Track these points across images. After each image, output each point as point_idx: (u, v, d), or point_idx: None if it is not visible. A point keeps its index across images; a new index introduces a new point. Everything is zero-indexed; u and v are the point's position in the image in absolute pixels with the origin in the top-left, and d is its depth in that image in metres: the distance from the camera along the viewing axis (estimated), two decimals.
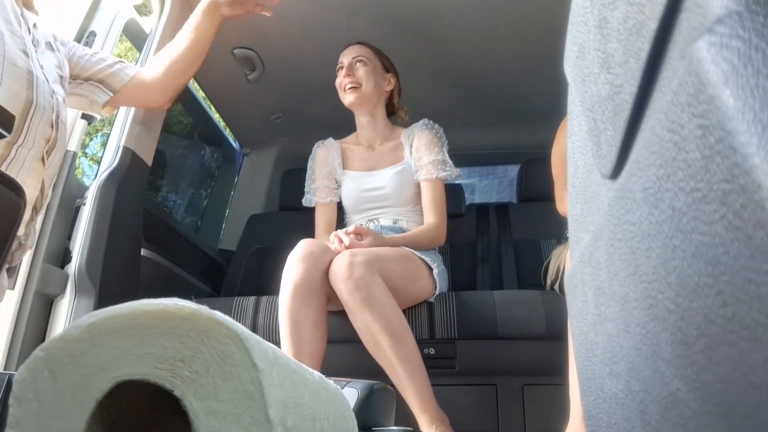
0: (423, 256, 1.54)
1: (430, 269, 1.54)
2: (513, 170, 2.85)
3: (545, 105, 2.21)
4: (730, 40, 0.24)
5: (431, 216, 1.67)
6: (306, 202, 1.85)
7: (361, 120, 1.82)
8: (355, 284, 1.31)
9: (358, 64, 1.73)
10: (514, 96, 2.31)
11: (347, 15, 1.87)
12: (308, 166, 1.88)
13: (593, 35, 0.42)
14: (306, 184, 1.86)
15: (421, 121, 1.80)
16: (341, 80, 1.74)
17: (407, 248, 1.54)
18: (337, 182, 1.84)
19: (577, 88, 0.50)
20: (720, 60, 0.24)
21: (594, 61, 0.43)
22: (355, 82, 1.72)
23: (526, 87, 2.23)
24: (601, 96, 0.41)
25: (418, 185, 1.73)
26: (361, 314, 1.32)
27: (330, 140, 1.90)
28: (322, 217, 1.80)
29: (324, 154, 1.86)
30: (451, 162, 1.73)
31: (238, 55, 2.05)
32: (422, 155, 1.72)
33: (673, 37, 0.30)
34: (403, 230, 1.69)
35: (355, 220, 1.79)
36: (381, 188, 1.74)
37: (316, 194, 1.82)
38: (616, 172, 0.41)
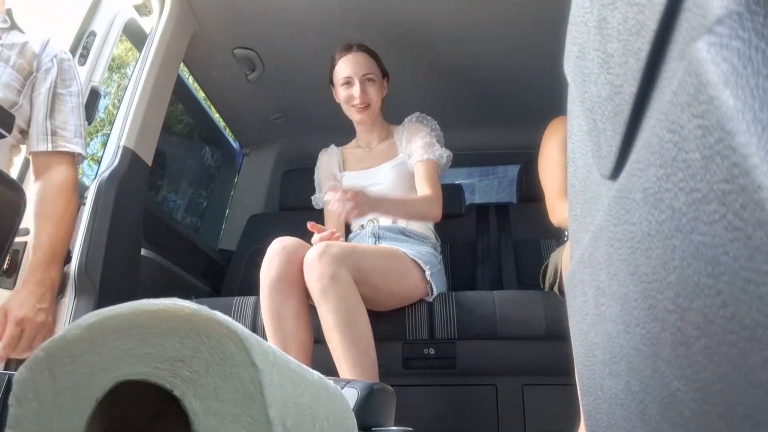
0: (415, 258, 1.53)
1: (422, 270, 1.53)
2: (513, 170, 2.85)
3: (545, 105, 2.21)
4: (730, 41, 0.24)
5: (425, 189, 1.67)
6: (315, 203, 1.92)
7: (362, 127, 1.87)
8: (319, 274, 1.30)
9: (367, 82, 1.74)
10: (514, 96, 2.31)
11: (347, 15, 1.87)
12: (315, 172, 1.95)
13: (593, 35, 0.42)
14: (316, 188, 1.93)
15: (414, 114, 1.84)
16: (349, 96, 1.74)
17: (397, 247, 1.55)
18: (339, 183, 1.87)
19: (577, 89, 0.50)
20: (720, 60, 0.24)
21: (594, 61, 0.43)
22: (366, 101, 1.74)
23: (525, 87, 2.23)
24: (601, 96, 0.41)
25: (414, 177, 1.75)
26: (320, 305, 1.31)
27: (332, 147, 1.96)
28: (332, 216, 1.82)
29: (326, 160, 1.93)
30: (442, 148, 1.75)
31: (238, 55, 2.05)
32: (411, 143, 1.76)
33: (673, 37, 0.30)
34: (402, 231, 1.69)
35: (357, 219, 1.80)
36: (379, 184, 1.76)
37: (324, 194, 1.86)
38: (616, 173, 0.41)
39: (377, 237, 1.67)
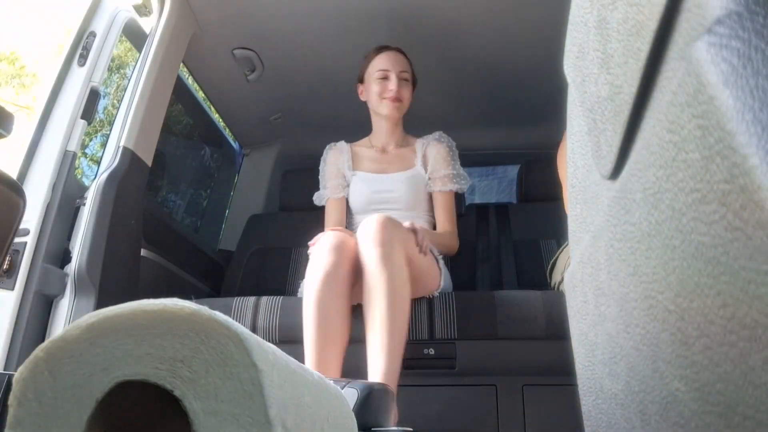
0: (434, 251, 1.57)
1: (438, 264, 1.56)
2: (513, 170, 2.85)
3: (545, 105, 2.21)
4: (730, 41, 0.24)
5: (447, 224, 1.74)
6: (317, 200, 1.91)
7: (384, 126, 1.86)
8: (381, 241, 1.32)
9: (403, 80, 1.78)
10: (514, 96, 2.31)
11: (347, 15, 1.87)
12: (320, 167, 1.94)
13: (593, 35, 0.42)
14: (320, 184, 1.92)
15: (437, 134, 1.88)
16: (384, 88, 1.77)
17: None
18: (346, 181, 1.88)
19: (577, 89, 0.50)
20: (719, 60, 0.24)
21: (594, 62, 0.43)
22: (401, 97, 1.77)
23: (526, 87, 2.23)
24: (601, 96, 0.41)
25: (426, 193, 1.80)
26: (374, 271, 1.31)
27: (342, 143, 1.95)
28: (333, 212, 1.84)
29: (335, 156, 1.91)
30: (464, 174, 1.82)
31: (238, 55, 2.05)
32: (438, 168, 1.80)
33: (672, 37, 0.30)
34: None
35: (361, 221, 1.81)
36: (391, 191, 1.78)
37: (328, 190, 1.87)
38: (615, 173, 0.41)
39: None
